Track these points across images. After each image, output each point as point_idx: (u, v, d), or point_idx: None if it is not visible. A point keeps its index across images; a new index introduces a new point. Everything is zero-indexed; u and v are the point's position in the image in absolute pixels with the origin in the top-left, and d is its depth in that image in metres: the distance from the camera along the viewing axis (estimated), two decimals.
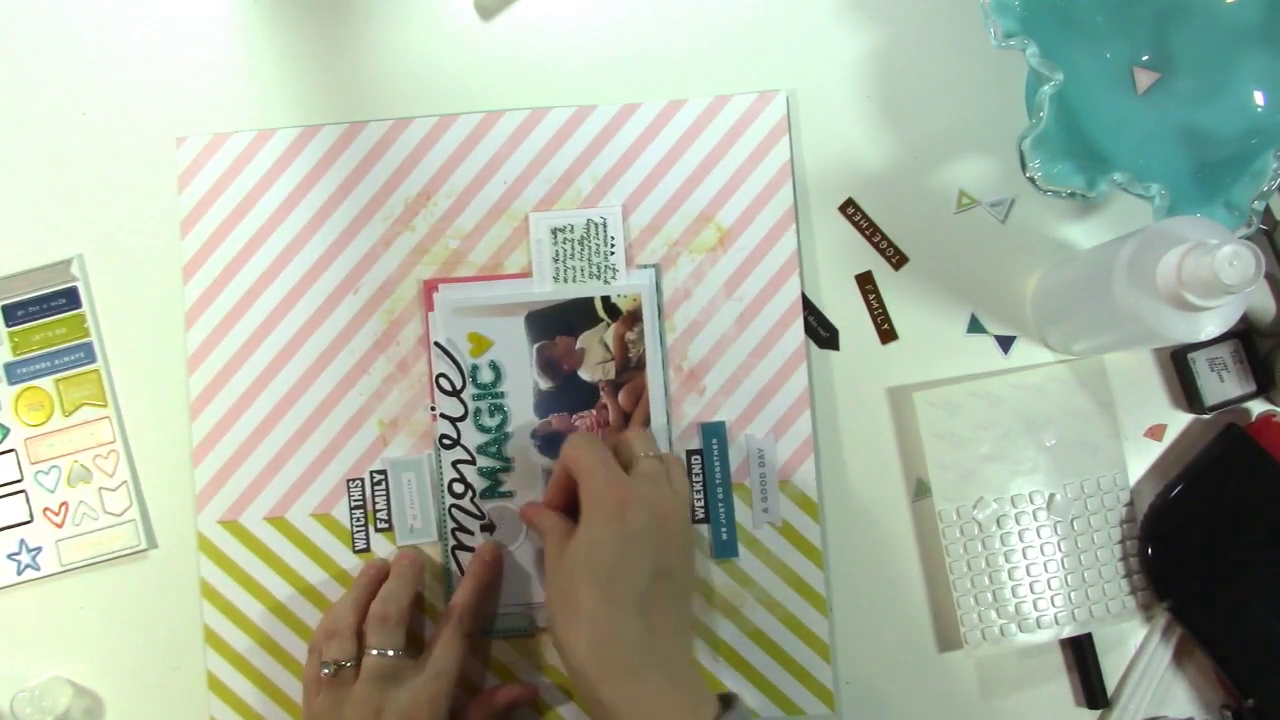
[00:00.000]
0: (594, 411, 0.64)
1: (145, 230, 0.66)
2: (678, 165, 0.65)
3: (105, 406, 0.65)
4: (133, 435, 0.65)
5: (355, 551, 0.64)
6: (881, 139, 0.66)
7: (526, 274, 0.65)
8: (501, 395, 0.64)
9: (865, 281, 0.66)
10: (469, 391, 0.64)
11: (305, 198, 0.66)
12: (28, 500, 0.65)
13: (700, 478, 0.64)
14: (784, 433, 0.64)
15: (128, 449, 0.65)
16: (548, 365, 0.64)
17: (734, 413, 0.64)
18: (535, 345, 0.64)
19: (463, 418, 0.64)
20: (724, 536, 0.64)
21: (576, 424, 0.64)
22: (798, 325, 0.65)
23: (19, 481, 0.65)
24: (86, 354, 0.66)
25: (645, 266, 0.65)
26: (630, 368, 0.64)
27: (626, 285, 0.65)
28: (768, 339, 0.64)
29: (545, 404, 0.64)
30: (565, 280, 0.65)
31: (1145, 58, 0.64)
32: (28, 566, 0.64)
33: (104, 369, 0.66)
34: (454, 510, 0.64)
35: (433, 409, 0.64)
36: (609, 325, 0.64)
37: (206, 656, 0.64)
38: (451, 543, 0.64)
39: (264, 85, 0.67)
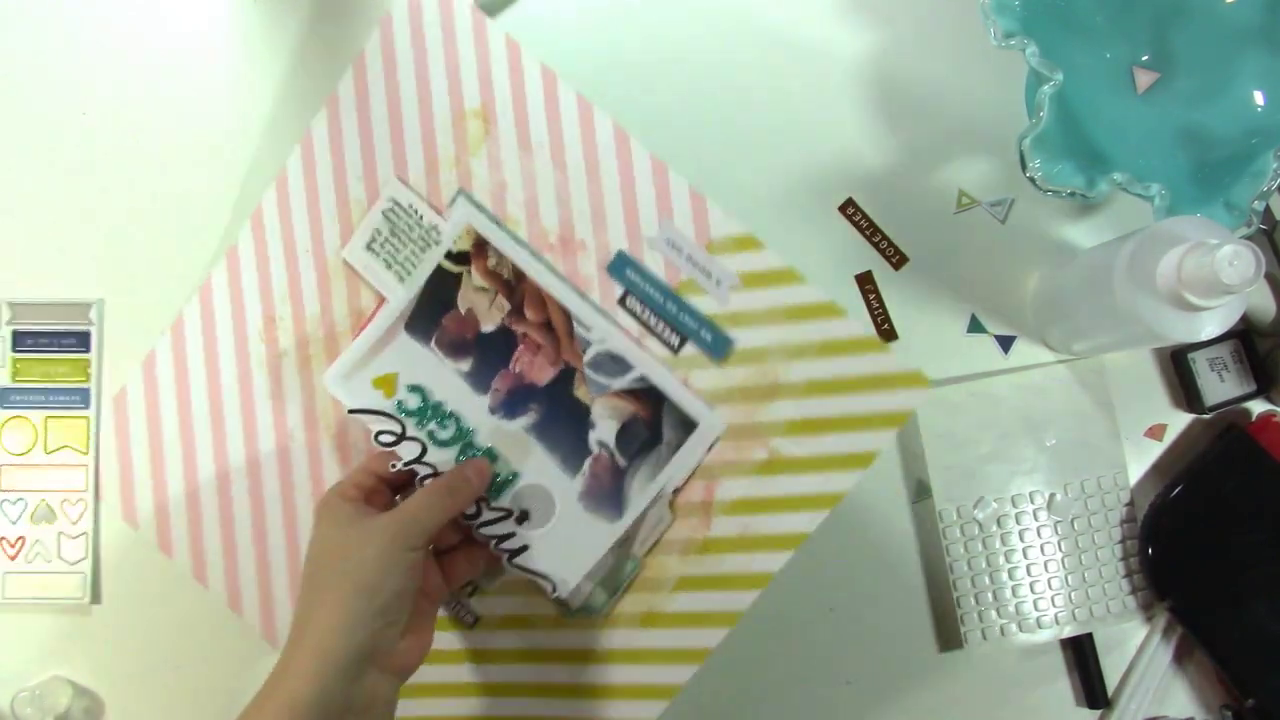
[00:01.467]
0: (521, 348, 0.61)
1: (164, 287, 0.65)
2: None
3: (85, 455, 0.64)
4: (105, 490, 0.64)
5: None
6: (881, 139, 0.66)
7: (382, 300, 0.62)
8: (439, 405, 0.62)
9: (865, 281, 0.66)
10: (411, 426, 0.61)
11: None
12: None
13: (641, 307, 0.60)
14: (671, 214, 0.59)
15: (96, 503, 0.64)
16: (453, 347, 0.62)
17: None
18: (431, 342, 0.62)
19: (424, 451, 0.60)
20: (706, 337, 0.59)
21: (516, 369, 0.61)
22: (607, 131, 0.60)
23: None
24: (82, 399, 0.64)
25: (453, 200, 0.62)
26: (514, 285, 0.61)
27: (452, 228, 0.61)
28: (588, 157, 0.60)
29: (478, 379, 0.62)
30: (410, 273, 0.62)
31: (1145, 58, 0.64)
32: None
33: (94, 418, 0.64)
34: (481, 529, 0.60)
35: (394, 466, 0.59)
36: (469, 271, 0.62)
37: None
38: (503, 556, 0.60)
39: None
